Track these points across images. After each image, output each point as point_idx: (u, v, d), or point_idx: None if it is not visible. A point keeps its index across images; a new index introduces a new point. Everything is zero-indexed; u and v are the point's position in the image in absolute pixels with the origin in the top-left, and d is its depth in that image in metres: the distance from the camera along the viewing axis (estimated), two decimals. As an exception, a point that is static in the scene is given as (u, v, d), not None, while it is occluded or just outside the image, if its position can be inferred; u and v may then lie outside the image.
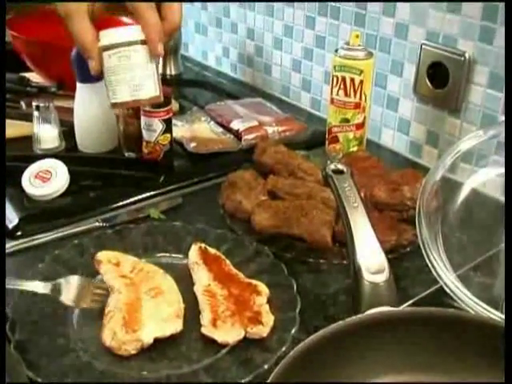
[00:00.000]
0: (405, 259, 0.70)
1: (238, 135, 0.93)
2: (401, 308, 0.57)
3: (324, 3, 1.01)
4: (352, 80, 0.86)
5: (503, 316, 0.52)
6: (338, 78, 0.87)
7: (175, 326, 0.56)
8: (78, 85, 0.88)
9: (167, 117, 0.83)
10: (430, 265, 0.63)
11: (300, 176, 0.82)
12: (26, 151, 0.92)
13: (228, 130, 0.95)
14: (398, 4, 0.90)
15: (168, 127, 0.84)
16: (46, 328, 0.57)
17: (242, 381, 0.51)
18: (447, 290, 0.61)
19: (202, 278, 0.62)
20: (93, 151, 0.91)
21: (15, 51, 1.11)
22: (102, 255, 0.64)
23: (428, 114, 0.92)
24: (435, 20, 0.86)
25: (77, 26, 0.63)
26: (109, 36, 0.64)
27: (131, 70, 0.64)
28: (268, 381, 0.45)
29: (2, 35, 0.51)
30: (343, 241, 0.71)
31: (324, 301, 0.64)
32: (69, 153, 0.90)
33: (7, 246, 0.71)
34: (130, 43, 0.64)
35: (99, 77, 0.86)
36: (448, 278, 0.62)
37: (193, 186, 0.84)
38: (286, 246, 0.70)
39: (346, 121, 0.89)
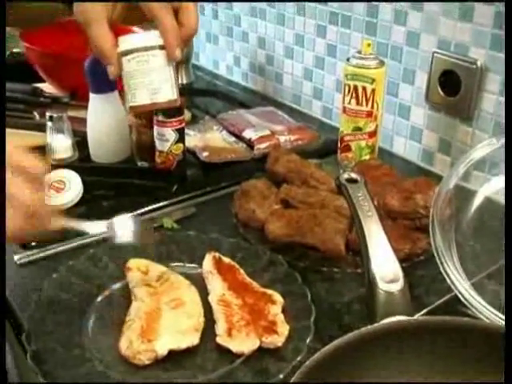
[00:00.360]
0: (419, 267, 0.70)
1: (250, 144, 0.93)
2: (416, 317, 0.57)
3: (335, 13, 1.02)
4: (364, 89, 0.86)
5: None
6: (349, 87, 0.87)
7: (192, 340, 0.56)
8: (91, 95, 0.89)
9: (180, 126, 0.83)
10: (444, 273, 0.63)
11: (313, 185, 0.82)
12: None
13: (240, 139, 0.96)
14: (410, 12, 0.90)
15: (181, 137, 0.84)
16: (61, 338, 0.57)
17: (258, 391, 0.51)
18: (461, 299, 0.61)
19: (216, 287, 0.62)
20: (105, 161, 0.92)
21: (28, 62, 1.12)
22: (133, 263, 0.65)
23: (440, 122, 0.92)
24: (447, 28, 0.86)
25: (96, 32, 0.65)
26: (128, 41, 0.67)
27: (150, 74, 0.67)
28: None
29: (2, 36, 0.51)
30: (357, 249, 0.71)
31: (338, 310, 0.64)
32: (82, 163, 0.91)
33: (21, 256, 0.72)
34: (148, 48, 0.66)
35: (112, 87, 0.89)
36: (462, 286, 0.62)
37: (206, 196, 0.85)
38: (299, 255, 0.70)
39: (359, 129, 0.89)
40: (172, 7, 0.65)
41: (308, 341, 0.56)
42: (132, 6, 0.67)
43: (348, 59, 0.87)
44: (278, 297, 0.61)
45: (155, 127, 0.84)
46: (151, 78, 0.67)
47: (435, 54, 0.88)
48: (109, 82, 0.87)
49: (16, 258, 0.71)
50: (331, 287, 0.67)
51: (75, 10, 0.68)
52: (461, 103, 0.87)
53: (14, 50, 1.27)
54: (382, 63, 0.86)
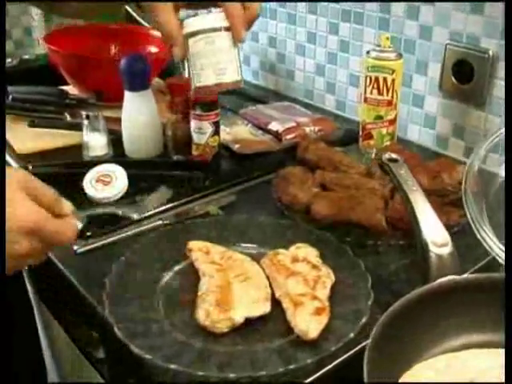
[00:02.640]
0: (453, 239, 0.75)
1: (277, 136, 0.98)
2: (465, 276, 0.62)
3: (347, 10, 1.08)
4: (385, 79, 0.92)
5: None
6: (371, 78, 0.93)
7: (264, 308, 0.61)
8: (126, 93, 0.93)
9: (216, 119, 0.88)
10: (481, 238, 0.69)
11: (343, 170, 0.88)
12: (76, 159, 0.96)
13: (266, 131, 1.01)
14: (422, 7, 0.96)
15: (216, 129, 0.89)
16: (138, 315, 0.62)
17: (333, 348, 0.56)
18: (499, 260, 0.67)
19: (277, 278, 0.66)
20: (140, 157, 0.96)
21: (52, 65, 1.16)
22: (193, 244, 0.69)
23: (453, 109, 0.98)
24: (458, 21, 0.93)
25: (162, 17, 0.67)
26: (194, 23, 0.68)
27: (216, 54, 0.68)
28: (370, 341, 0.50)
29: (2, 36, 0.54)
30: (394, 224, 0.77)
31: (386, 278, 0.69)
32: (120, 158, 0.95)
33: (80, 245, 0.76)
34: (215, 29, 0.68)
35: (146, 85, 0.93)
36: (499, 248, 0.68)
37: (242, 184, 0.89)
38: (344, 232, 0.75)
39: (380, 118, 0.95)
40: None
41: (369, 304, 0.62)
42: None
43: (368, 52, 0.93)
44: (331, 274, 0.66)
45: (193, 121, 0.88)
46: (218, 58, 0.68)
47: (448, 46, 0.95)
48: (143, 81, 0.93)
49: (75, 247, 0.75)
50: (377, 259, 0.73)
51: None
52: (474, 90, 0.94)
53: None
54: (399, 55, 0.92)
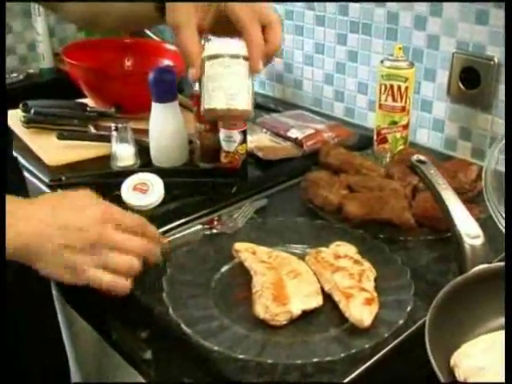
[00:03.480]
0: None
1: (297, 142, 1.04)
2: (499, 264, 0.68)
3: (355, 22, 1.14)
4: (399, 87, 0.98)
5: None
6: (385, 86, 0.99)
7: (317, 301, 0.66)
8: (154, 104, 0.97)
9: (244, 128, 0.93)
10: (501, 227, 0.75)
11: (364, 173, 0.94)
12: (104, 169, 1.00)
13: (285, 138, 1.06)
14: (429, 18, 1.03)
15: (244, 138, 0.94)
16: (196, 313, 0.66)
17: (386, 334, 0.61)
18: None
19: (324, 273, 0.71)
20: (166, 165, 1.00)
21: (71, 78, 1.19)
22: (239, 245, 0.74)
23: (461, 113, 1.05)
24: (464, 31, 0.99)
25: (185, 35, 0.68)
26: (215, 46, 0.70)
27: (229, 80, 0.69)
28: (427, 320, 0.55)
29: (2, 37, 0.60)
30: (420, 221, 0.82)
31: (420, 271, 0.74)
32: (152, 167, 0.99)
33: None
34: (233, 56, 0.69)
35: (173, 97, 0.97)
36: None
37: (270, 189, 0.94)
38: (375, 230, 0.81)
39: (394, 123, 1.01)
40: (260, 23, 0.69)
41: (412, 293, 0.67)
42: (222, 16, 0.70)
43: (382, 62, 0.99)
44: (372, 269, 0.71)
45: (222, 130, 0.93)
46: (230, 84, 0.69)
47: (455, 54, 1.01)
48: (171, 93, 0.97)
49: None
50: (408, 254, 0.78)
51: (167, 11, 0.71)
52: (480, 95, 1.00)
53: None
54: (412, 64, 0.99)
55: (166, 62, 1.24)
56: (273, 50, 0.70)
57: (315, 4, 1.20)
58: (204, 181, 0.94)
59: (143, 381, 0.78)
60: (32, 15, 1.57)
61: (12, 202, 0.62)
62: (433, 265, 0.76)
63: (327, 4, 1.18)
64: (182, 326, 0.63)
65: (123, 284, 0.66)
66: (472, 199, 0.87)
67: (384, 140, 1.03)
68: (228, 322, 0.65)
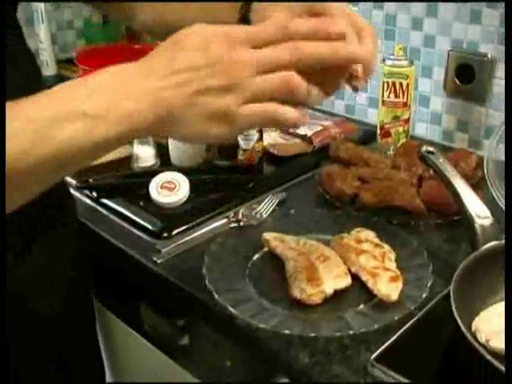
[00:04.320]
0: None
1: (306, 139, 1.10)
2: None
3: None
4: (400, 84, 1.05)
5: None
6: (388, 83, 1.06)
7: (346, 281, 0.73)
8: (173, 109, 1.03)
9: (260, 127, 1.00)
10: (502, 206, 0.83)
11: (373, 165, 1.01)
12: (126, 170, 1.06)
13: (295, 135, 1.13)
14: (425, 19, 1.10)
15: (261, 135, 1.00)
16: (240, 298, 0.72)
17: (412, 307, 0.69)
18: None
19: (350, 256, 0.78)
20: (185, 165, 1.06)
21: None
22: (268, 235, 0.80)
23: (457, 106, 1.13)
24: (459, 30, 1.07)
25: None
26: None
27: None
28: (451, 290, 0.63)
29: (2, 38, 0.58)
30: (428, 207, 0.90)
31: (433, 251, 0.82)
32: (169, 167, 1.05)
33: (157, 243, 0.86)
34: None
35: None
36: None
37: (287, 183, 1.01)
38: (388, 216, 0.88)
39: (397, 117, 1.08)
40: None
41: (430, 271, 0.74)
42: None
43: (383, 61, 1.07)
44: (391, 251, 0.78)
45: (240, 130, 0.99)
46: None
47: (450, 52, 1.09)
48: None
49: (159, 247, 0.85)
50: (421, 236, 0.85)
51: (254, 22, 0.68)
52: (475, 89, 1.08)
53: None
54: (411, 63, 1.06)
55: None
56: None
57: (314, 7, 1.27)
58: (223, 178, 1.00)
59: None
60: (35, 23, 1.61)
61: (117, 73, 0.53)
62: (444, 245, 0.84)
63: (326, 7, 1.25)
64: (229, 308, 0.69)
65: (290, 111, 0.52)
66: (474, 185, 0.95)
67: (387, 134, 1.10)
68: (267, 303, 0.72)
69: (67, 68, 1.70)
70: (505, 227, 0.72)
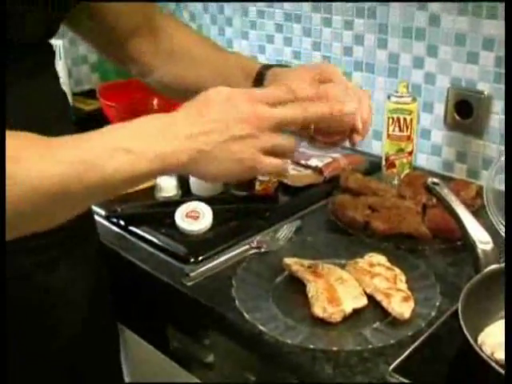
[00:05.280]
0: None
1: (318, 170, 1.19)
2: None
3: (359, 61, 1.31)
4: (404, 119, 1.14)
5: None
6: (393, 119, 1.15)
7: (363, 301, 0.80)
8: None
9: (276, 160, 1.08)
10: (503, 234, 0.91)
11: (380, 194, 1.09)
12: (149, 199, 1.14)
13: (306, 166, 1.21)
14: (426, 58, 1.20)
15: (277, 168, 1.08)
16: (267, 318, 0.80)
17: (423, 324, 0.76)
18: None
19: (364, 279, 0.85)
20: (205, 194, 1.14)
21: (107, 117, 1.33)
22: (288, 260, 0.88)
23: (456, 139, 1.21)
24: (457, 69, 1.16)
25: None
26: None
27: None
28: (459, 308, 0.70)
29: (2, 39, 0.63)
30: (433, 233, 0.98)
31: (439, 274, 0.89)
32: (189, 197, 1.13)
33: (185, 268, 0.93)
34: None
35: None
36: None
37: (300, 212, 1.09)
38: (397, 242, 0.96)
39: (401, 150, 1.17)
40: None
41: (438, 291, 0.82)
42: None
43: (389, 98, 1.16)
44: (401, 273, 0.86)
45: (258, 162, 1.07)
46: None
47: (450, 89, 1.18)
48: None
49: (187, 271, 0.92)
50: (427, 260, 0.93)
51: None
52: (473, 124, 1.17)
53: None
54: (415, 99, 1.15)
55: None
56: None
57: (322, 45, 1.37)
58: (242, 207, 1.08)
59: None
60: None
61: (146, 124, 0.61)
62: (448, 268, 0.92)
63: (333, 46, 1.35)
64: (259, 326, 0.76)
65: (285, 165, 0.67)
66: (473, 213, 1.03)
67: (392, 165, 1.19)
68: (291, 321, 0.79)
69: (81, 101, 1.79)
70: (505, 252, 0.81)
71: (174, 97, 1.00)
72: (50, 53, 0.82)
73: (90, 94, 1.77)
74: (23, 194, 0.55)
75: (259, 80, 0.85)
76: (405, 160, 1.18)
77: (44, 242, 0.76)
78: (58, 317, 0.83)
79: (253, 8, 1.48)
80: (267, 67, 0.86)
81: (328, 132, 0.75)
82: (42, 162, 0.56)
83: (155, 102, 1.45)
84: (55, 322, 0.83)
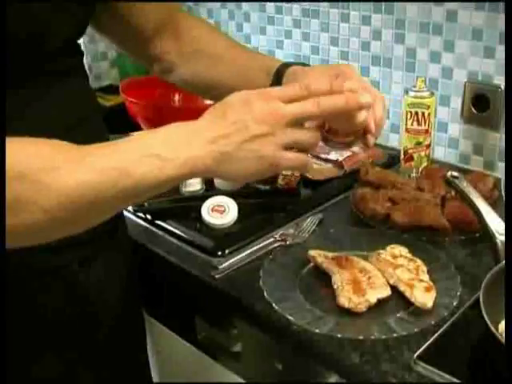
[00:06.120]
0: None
1: (338, 164, 1.22)
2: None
3: (377, 56, 1.33)
4: (422, 113, 1.17)
5: None
6: (411, 113, 1.18)
7: (387, 291, 0.83)
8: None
9: (298, 154, 1.11)
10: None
11: (399, 187, 1.12)
12: (174, 194, 1.17)
13: (326, 160, 1.24)
14: (443, 53, 1.22)
15: (298, 162, 1.12)
16: (295, 309, 0.83)
17: (445, 313, 0.80)
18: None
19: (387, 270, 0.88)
20: (228, 189, 1.17)
21: (130, 114, 1.36)
22: (313, 252, 0.92)
23: (473, 132, 1.24)
24: (474, 63, 1.19)
25: None
26: None
27: None
28: (480, 297, 0.73)
29: (2, 38, 0.63)
30: (452, 225, 1.01)
31: (459, 264, 0.92)
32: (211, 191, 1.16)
33: (212, 261, 0.97)
34: None
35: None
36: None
37: (322, 205, 1.12)
38: (417, 234, 0.99)
39: (419, 143, 1.20)
40: None
41: (459, 282, 0.85)
42: None
43: (407, 92, 1.18)
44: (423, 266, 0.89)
45: (280, 157, 1.11)
46: None
47: (467, 83, 1.21)
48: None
49: (216, 264, 0.96)
50: (447, 251, 0.96)
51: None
52: (490, 117, 1.20)
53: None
54: (432, 94, 1.18)
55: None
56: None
57: (339, 40, 1.39)
58: (266, 201, 1.11)
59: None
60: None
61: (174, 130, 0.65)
62: (468, 259, 0.95)
63: (351, 41, 1.37)
64: (287, 316, 0.80)
65: (308, 159, 0.69)
66: (491, 205, 1.06)
67: (410, 158, 1.21)
68: (318, 311, 0.82)
69: (101, 96, 1.82)
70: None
71: (195, 93, 1.03)
72: (80, 53, 0.85)
73: (110, 90, 1.81)
74: (60, 202, 0.58)
75: (278, 78, 0.87)
76: (423, 153, 1.20)
77: (81, 238, 0.79)
78: (93, 312, 0.87)
79: (270, 3, 1.51)
80: (286, 65, 0.88)
81: (341, 133, 0.77)
82: (78, 170, 0.59)
83: (176, 97, 1.48)
84: (91, 317, 0.87)
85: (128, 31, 0.94)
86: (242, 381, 0.98)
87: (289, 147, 0.66)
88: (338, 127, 0.76)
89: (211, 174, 0.67)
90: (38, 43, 0.69)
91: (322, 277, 0.90)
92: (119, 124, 1.34)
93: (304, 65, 0.91)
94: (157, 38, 0.95)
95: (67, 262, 0.81)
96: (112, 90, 1.81)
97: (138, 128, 1.38)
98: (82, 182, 0.58)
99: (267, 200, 1.12)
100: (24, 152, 0.58)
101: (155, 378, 1.16)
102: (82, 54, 0.85)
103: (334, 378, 0.79)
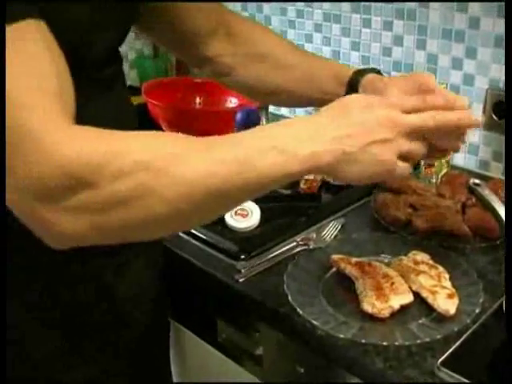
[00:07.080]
0: None
1: (358, 168, 1.23)
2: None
3: (398, 62, 1.34)
4: (443, 119, 1.18)
5: None
6: (432, 119, 1.18)
7: (409, 297, 0.85)
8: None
9: (320, 160, 1.12)
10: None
11: (419, 193, 1.13)
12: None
13: (347, 165, 1.25)
14: (465, 60, 1.23)
15: (320, 167, 1.13)
16: (316, 315, 0.85)
17: (468, 320, 0.81)
18: None
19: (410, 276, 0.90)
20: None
21: (152, 116, 1.38)
22: (336, 257, 0.93)
23: (493, 139, 1.25)
24: (496, 71, 1.19)
25: None
26: None
27: None
28: (504, 304, 0.74)
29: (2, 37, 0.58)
30: (473, 232, 1.02)
31: (480, 271, 0.93)
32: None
33: (236, 264, 0.98)
34: None
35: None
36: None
37: (343, 210, 1.13)
38: (439, 240, 1.00)
39: (440, 149, 1.20)
40: None
41: (481, 288, 0.86)
42: None
43: (428, 99, 1.19)
44: (443, 270, 0.90)
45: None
46: None
47: (488, 90, 1.22)
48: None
49: (239, 267, 0.97)
50: (467, 258, 0.97)
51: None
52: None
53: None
54: (453, 100, 1.18)
55: (234, 100, 1.43)
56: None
57: (361, 45, 1.40)
58: (288, 205, 1.13)
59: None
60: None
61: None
62: (489, 266, 0.96)
63: (372, 46, 1.38)
64: (312, 320, 0.82)
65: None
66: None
67: (431, 164, 1.22)
68: (341, 316, 0.84)
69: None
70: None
71: (253, 98, 1.01)
72: (120, 60, 0.84)
73: (130, 91, 1.83)
74: (183, 193, 0.56)
75: (353, 86, 0.86)
76: (443, 160, 1.21)
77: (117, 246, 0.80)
78: (126, 317, 0.87)
79: (291, 7, 1.52)
80: (360, 73, 0.87)
81: (438, 149, 0.75)
82: (203, 161, 0.57)
83: (197, 100, 1.49)
84: (122, 324, 0.87)
85: (177, 33, 0.92)
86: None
87: (401, 156, 0.66)
88: (438, 143, 0.74)
89: (328, 172, 0.66)
90: (84, 52, 0.69)
91: (345, 281, 0.91)
92: (140, 125, 1.36)
93: (377, 72, 0.89)
94: (209, 40, 0.93)
95: (101, 270, 0.82)
96: (132, 91, 1.82)
97: (158, 130, 1.39)
98: (207, 174, 0.57)
99: (289, 204, 1.13)
100: (148, 143, 0.58)
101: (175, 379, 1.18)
102: (121, 59, 0.84)
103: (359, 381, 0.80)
